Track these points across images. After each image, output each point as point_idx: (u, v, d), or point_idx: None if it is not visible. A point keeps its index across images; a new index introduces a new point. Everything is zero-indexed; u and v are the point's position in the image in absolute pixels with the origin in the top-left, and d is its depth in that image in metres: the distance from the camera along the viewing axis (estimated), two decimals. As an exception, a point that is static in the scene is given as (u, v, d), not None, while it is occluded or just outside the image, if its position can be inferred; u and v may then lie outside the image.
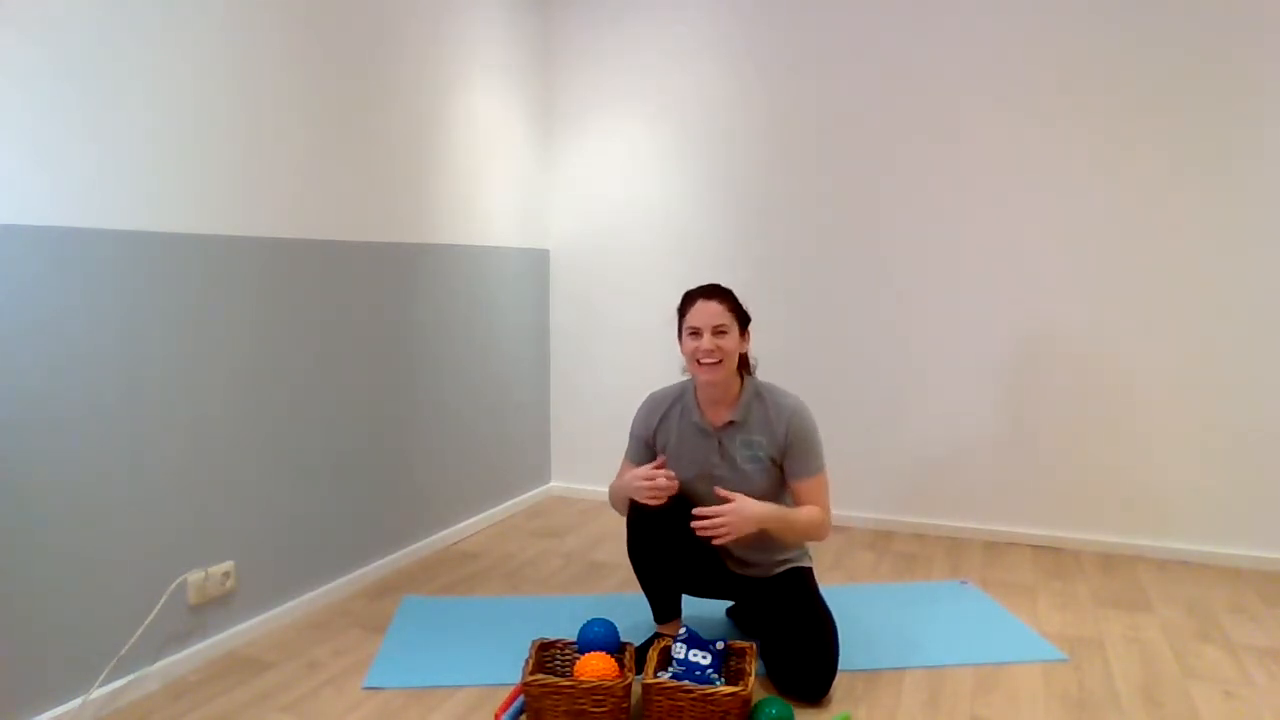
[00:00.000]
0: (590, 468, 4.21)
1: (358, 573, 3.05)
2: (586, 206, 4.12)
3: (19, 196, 1.98)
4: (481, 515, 3.76)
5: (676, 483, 2.31)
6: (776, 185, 3.79)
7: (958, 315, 3.57)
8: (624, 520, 2.44)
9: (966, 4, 3.44)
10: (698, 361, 2.32)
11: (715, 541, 2.24)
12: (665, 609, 2.44)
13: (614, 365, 4.14)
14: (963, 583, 3.12)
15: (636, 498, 2.31)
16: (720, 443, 2.41)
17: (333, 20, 2.84)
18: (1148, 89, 3.24)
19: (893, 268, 3.64)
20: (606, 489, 2.46)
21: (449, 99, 3.44)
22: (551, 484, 4.31)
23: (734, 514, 2.22)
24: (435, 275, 3.40)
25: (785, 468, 2.40)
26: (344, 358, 2.95)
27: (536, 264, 4.12)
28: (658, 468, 2.32)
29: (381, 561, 3.17)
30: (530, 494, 4.13)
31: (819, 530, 2.38)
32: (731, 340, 2.33)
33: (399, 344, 3.22)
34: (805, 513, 2.36)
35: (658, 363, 4.00)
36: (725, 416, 2.41)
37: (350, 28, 2.92)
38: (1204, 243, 3.24)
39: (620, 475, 2.50)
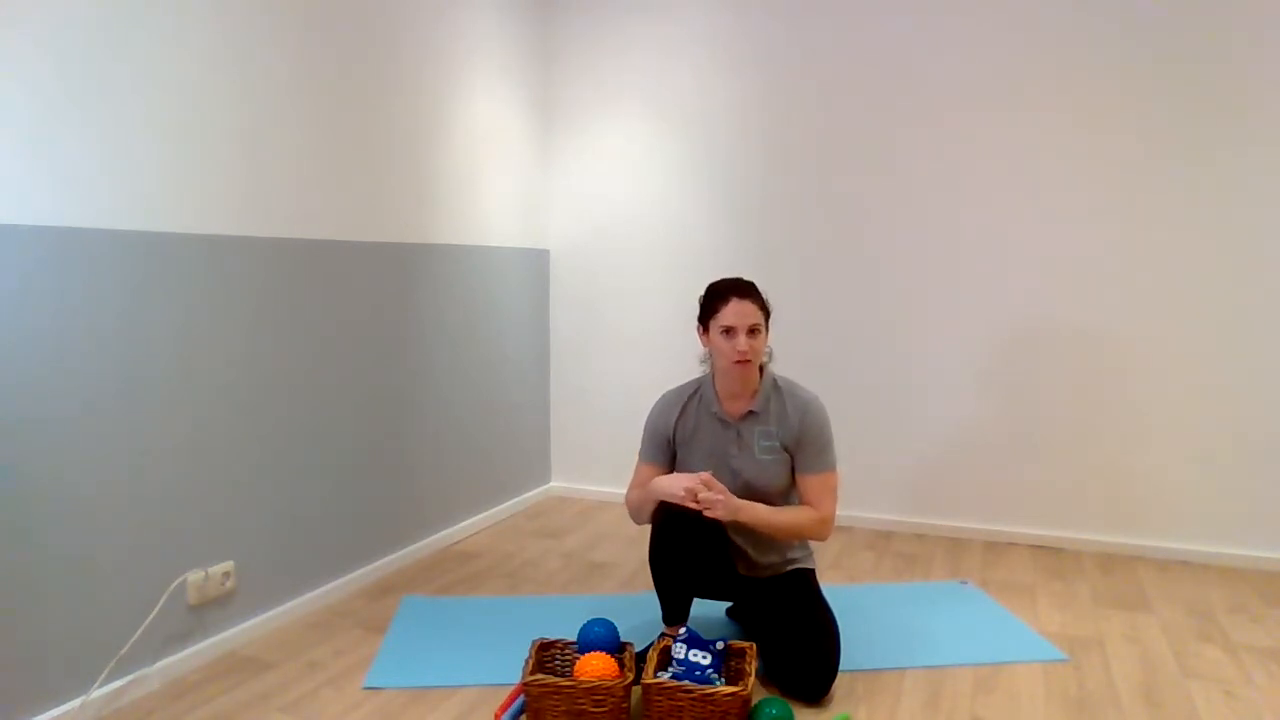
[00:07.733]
0: (590, 468, 4.21)
1: (358, 573, 3.05)
2: (586, 206, 4.12)
3: (19, 196, 1.98)
4: (481, 515, 3.76)
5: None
6: (776, 184, 3.79)
7: (957, 315, 3.57)
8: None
9: (963, 4, 3.45)
10: (734, 362, 2.34)
11: (705, 513, 2.25)
12: (677, 611, 2.44)
13: (614, 365, 4.13)
14: (963, 583, 3.11)
15: (675, 497, 2.27)
16: (739, 433, 2.44)
17: (333, 21, 2.84)
18: (1143, 86, 3.24)
19: (891, 267, 3.64)
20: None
21: (449, 99, 3.44)
22: (551, 484, 4.31)
23: (727, 497, 2.26)
24: (435, 275, 3.40)
25: (795, 461, 2.42)
26: (344, 358, 2.95)
27: (536, 264, 4.12)
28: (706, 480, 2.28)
29: (381, 561, 3.17)
30: (530, 494, 4.13)
31: (811, 531, 2.39)
32: (763, 339, 2.39)
33: (399, 344, 3.22)
34: (791, 514, 2.38)
35: (658, 362, 4.00)
36: (744, 407, 2.44)
37: (350, 28, 2.91)
38: (1206, 243, 3.24)
39: (636, 482, 2.50)
